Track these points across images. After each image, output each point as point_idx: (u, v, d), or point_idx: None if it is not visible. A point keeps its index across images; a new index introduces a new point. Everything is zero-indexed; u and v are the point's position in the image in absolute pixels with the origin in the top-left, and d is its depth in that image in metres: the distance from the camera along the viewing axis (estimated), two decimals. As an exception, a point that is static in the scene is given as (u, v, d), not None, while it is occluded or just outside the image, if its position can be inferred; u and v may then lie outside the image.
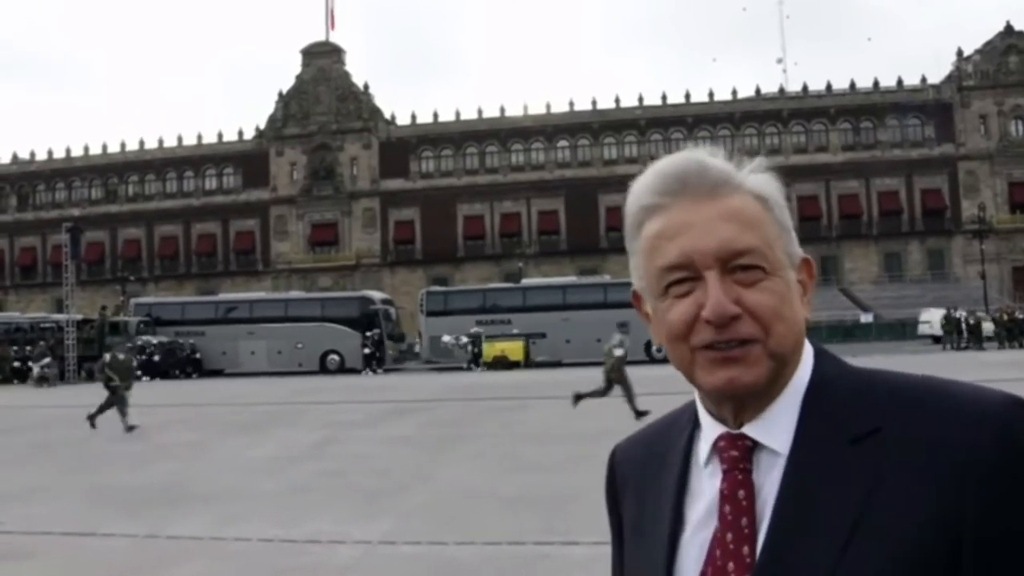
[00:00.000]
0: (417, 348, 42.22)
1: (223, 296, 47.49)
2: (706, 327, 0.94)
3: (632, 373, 14.60)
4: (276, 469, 11.29)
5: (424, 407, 19.43)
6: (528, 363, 36.71)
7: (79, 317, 39.08)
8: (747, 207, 0.98)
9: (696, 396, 1.05)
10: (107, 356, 17.21)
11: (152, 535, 7.57)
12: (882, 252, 58.95)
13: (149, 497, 9.48)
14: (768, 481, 0.95)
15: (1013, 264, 57.02)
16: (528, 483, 9.53)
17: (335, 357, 38.94)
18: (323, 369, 38.69)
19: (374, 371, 37.29)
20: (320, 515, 8.25)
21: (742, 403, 0.97)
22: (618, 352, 14.42)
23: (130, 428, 15.44)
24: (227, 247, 64.62)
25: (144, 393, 27.43)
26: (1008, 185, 57.96)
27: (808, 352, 1.01)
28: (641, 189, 1.02)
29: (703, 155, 1.01)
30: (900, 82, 60.77)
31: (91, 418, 15.86)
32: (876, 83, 61.03)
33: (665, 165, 1.01)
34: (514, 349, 36.91)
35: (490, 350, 36.62)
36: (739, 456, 0.97)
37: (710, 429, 1.01)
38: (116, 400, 15.88)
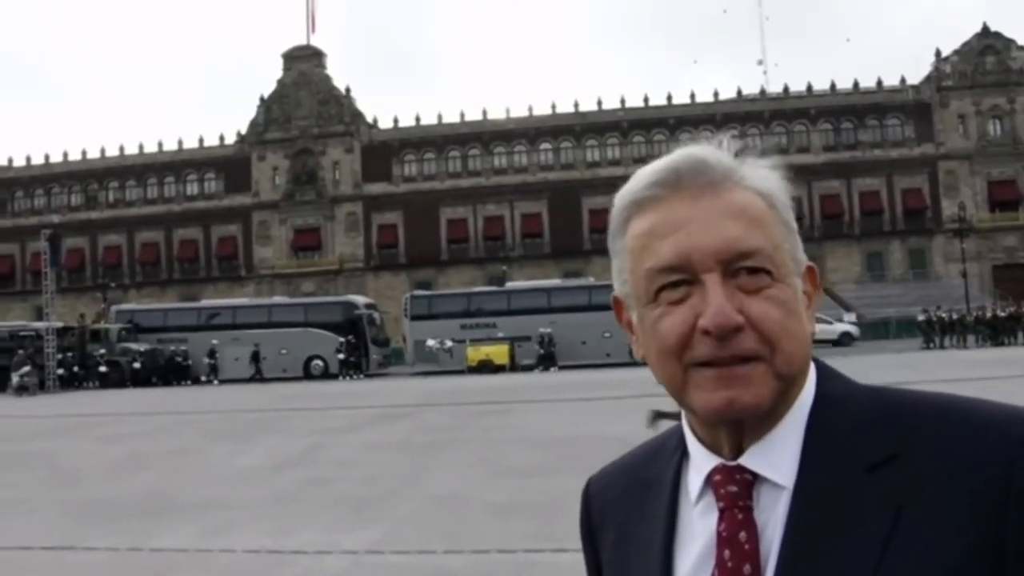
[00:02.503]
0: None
1: (206, 302, 47.17)
2: (704, 340, 0.83)
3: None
4: (262, 478, 11.15)
5: (410, 412, 19.31)
6: (513, 366, 36.65)
7: (59, 325, 38.71)
8: (752, 204, 0.88)
9: (684, 421, 0.94)
10: None
11: (135, 548, 7.43)
12: (864, 252, 59.25)
13: (131, 509, 9.31)
14: (772, 519, 0.85)
15: (993, 262, 57.37)
16: (517, 489, 9.44)
17: (319, 362, 38.77)
18: (307, 375, 38.50)
19: (351, 376, 37.05)
20: (307, 525, 8.14)
21: (740, 428, 0.87)
22: None
23: None
24: (209, 253, 64.10)
25: (125, 401, 27.27)
26: (987, 184, 58.35)
27: (810, 369, 0.90)
28: (632, 184, 0.92)
29: (701, 148, 0.92)
30: (880, 83, 61.11)
31: None
32: (856, 84, 61.37)
33: (661, 160, 0.91)
34: (499, 352, 36.81)
35: (475, 354, 36.51)
36: (738, 492, 0.86)
37: (702, 460, 0.90)
38: None
